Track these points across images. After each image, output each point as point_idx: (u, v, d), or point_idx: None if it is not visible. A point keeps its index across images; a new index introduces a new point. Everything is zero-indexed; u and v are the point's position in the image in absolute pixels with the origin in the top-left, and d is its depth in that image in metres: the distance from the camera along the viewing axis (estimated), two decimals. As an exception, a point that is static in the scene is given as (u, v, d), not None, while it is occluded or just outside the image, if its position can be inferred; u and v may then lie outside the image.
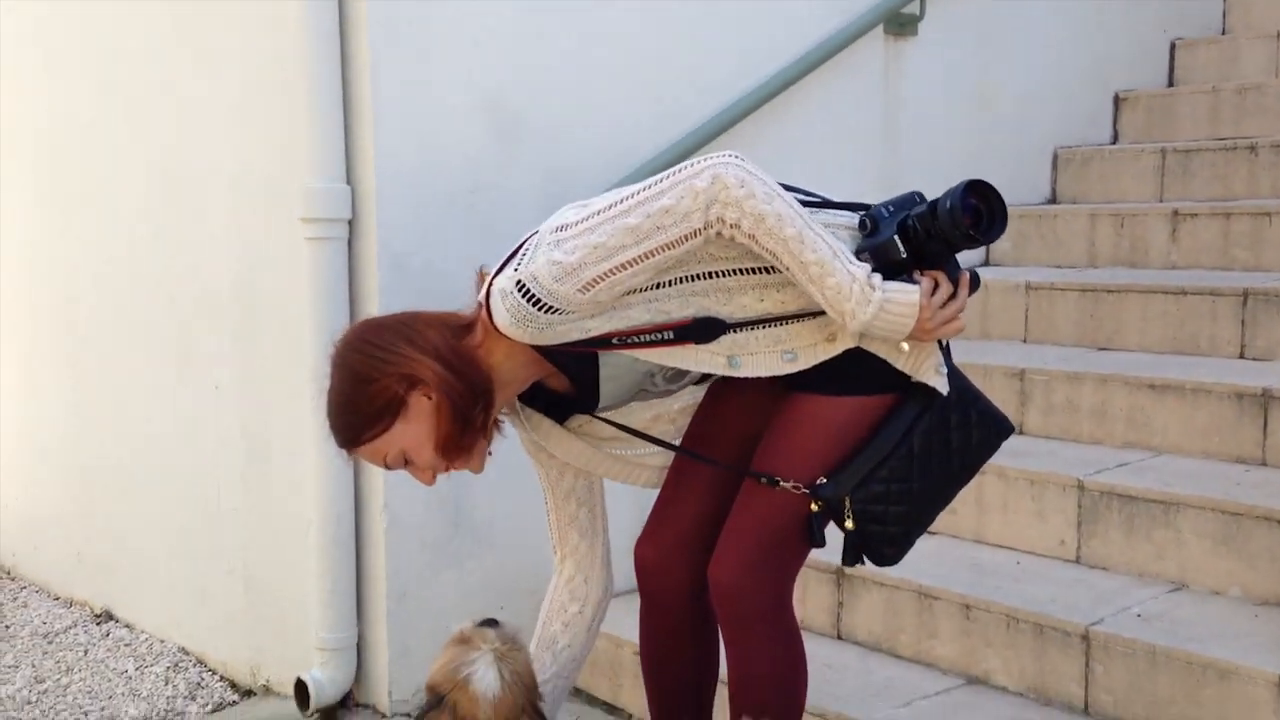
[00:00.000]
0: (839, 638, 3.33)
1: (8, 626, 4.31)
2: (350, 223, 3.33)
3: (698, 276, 2.11)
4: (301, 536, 3.45)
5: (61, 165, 4.49)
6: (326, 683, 3.36)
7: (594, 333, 2.10)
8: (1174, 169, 4.59)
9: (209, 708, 3.62)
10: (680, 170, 2.01)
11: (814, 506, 2.18)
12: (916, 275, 2.07)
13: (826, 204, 2.20)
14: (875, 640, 3.25)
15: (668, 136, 3.72)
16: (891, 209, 2.10)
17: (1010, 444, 3.64)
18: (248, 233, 3.61)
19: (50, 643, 4.13)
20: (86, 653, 4.02)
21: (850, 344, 2.12)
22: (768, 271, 2.11)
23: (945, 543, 3.50)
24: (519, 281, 2.04)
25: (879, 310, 2.02)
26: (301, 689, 3.37)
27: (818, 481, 2.17)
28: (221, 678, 3.79)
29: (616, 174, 3.56)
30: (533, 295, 2.03)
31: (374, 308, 3.28)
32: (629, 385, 2.32)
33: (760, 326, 2.13)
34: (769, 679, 2.26)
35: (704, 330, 2.12)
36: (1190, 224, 4.24)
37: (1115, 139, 5.08)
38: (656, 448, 2.47)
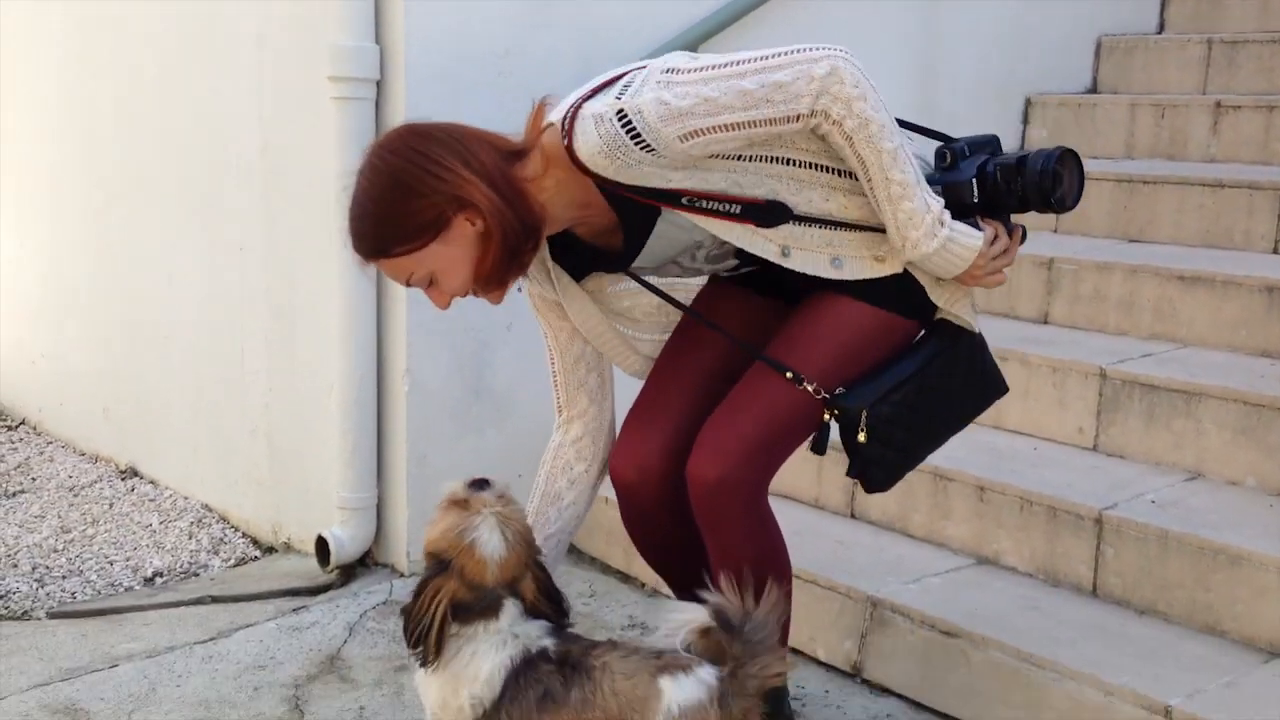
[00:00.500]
0: (853, 517, 3.36)
1: (34, 479, 4.40)
2: (378, 84, 3.29)
3: (778, 160, 2.10)
4: (324, 398, 3.49)
5: (87, 24, 4.44)
6: (347, 540, 3.43)
7: (672, 184, 2.07)
8: (1219, 60, 4.47)
9: (231, 562, 3.70)
10: (797, 50, 1.99)
11: (828, 416, 2.18)
12: (980, 221, 2.10)
13: (902, 124, 2.16)
14: (889, 520, 3.28)
15: (703, 7, 3.65)
16: (970, 149, 2.12)
17: (1034, 332, 3.68)
18: (274, 92, 3.57)
19: (76, 496, 4.21)
20: (111, 506, 4.11)
21: (897, 269, 2.15)
22: (840, 175, 2.12)
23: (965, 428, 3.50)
24: (621, 110, 1.99)
25: (941, 246, 2.06)
26: (322, 546, 3.44)
27: (837, 390, 2.17)
28: (244, 534, 3.87)
29: (650, 42, 3.51)
30: (633, 128, 1.99)
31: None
32: (667, 252, 2.27)
33: (818, 225, 2.14)
34: (750, 564, 2.23)
35: (769, 214, 2.11)
36: (1232, 116, 4.15)
37: (1161, 28, 4.95)
38: (650, 335, 2.44)
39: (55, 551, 3.74)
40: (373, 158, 2.11)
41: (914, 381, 2.21)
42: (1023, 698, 2.57)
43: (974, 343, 2.29)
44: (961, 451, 3.27)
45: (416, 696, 2.78)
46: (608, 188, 2.10)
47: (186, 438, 4.15)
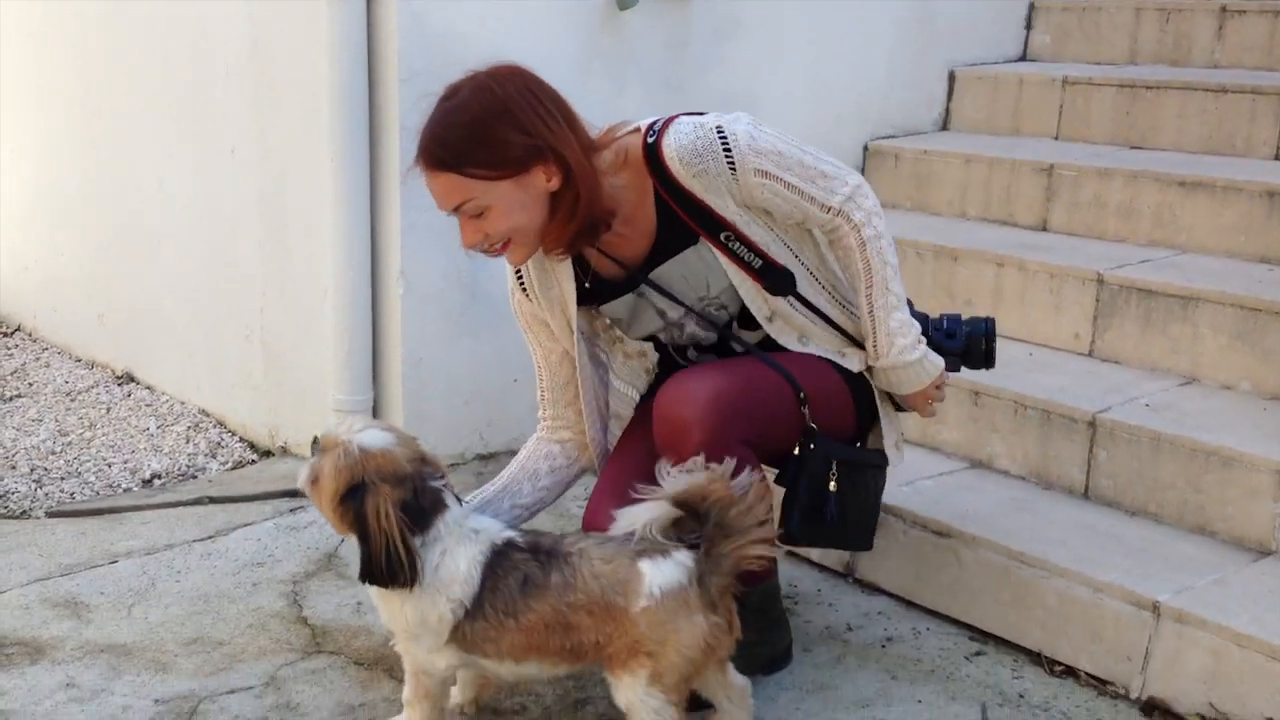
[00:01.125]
0: (847, 420, 3.37)
1: (31, 384, 4.40)
2: (370, -20, 3.23)
3: (800, 247, 2.40)
4: (319, 302, 3.48)
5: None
6: (343, 442, 3.43)
7: (726, 215, 2.28)
8: (1228, -36, 4.40)
9: (229, 465, 3.72)
10: (835, 162, 2.33)
11: (798, 450, 2.31)
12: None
13: None
14: (883, 424, 3.30)
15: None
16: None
17: (1032, 238, 3.67)
18: (265, -11, 3.51)
19: (73, 400, 4.22)
20: (109, 411, 4.11)
21: (855, 369, 2.43)
22: (832, 288, 2.44)
23: (959, 334, 3.51)
24: (720, 127, 2.24)
25: (917, 360, 2.38)
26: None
27: (812, 425, 2.32)
28: (241, 439, 3.88)
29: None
30: (726, 144, 2.23)
31: (392, 72, 3.22)
32: (677, 285, 2.37)
33: (805, 311, 2.41)
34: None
35: (780, 280, 2.35)
36: (1238, 21, 4.09)
37: (1168, -67, 4.86)
38: (622, 381, 2.52)
39: (53, 454, 3.76)
40: (484, 79, 2.17)
41: (863, 469, 2.42)
42: (1012, 594, 2.60)
43: (882, 480, 2.53)
44: (957, 356, 3.28)
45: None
46: (665, 197, 2.27)
47: (182, 343, 4.15)
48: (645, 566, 2.02)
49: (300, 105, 3.43)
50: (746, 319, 2.43)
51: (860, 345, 2.47)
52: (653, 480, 2.25)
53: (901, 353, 2.38)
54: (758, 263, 2.34)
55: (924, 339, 2.42)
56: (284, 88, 3.51)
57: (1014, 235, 3.72)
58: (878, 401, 2.48)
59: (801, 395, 2.33)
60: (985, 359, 2.53)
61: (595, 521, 2.30)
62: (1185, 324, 3.10)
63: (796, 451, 2.33)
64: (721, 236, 2.31)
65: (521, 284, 2.45)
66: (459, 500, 2.17)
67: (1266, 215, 3.30)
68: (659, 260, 2.36)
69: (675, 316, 2.43)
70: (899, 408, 2.55)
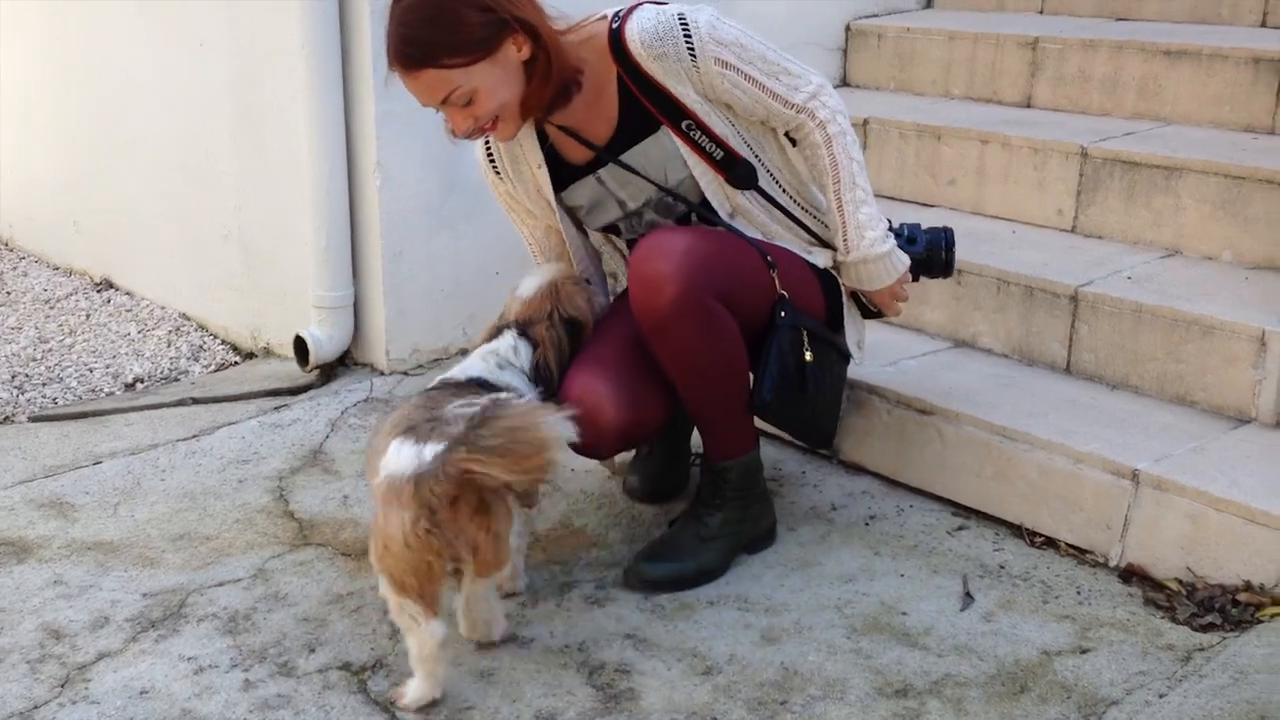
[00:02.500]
0: (830, 304, 3.36)
1: (9, 293, 4.36)
2: None
3: (761, 145, 2.42)
4: (295, 198, 3.43)
5: None
6: (325, 340, 3.42)
7: (686, 102, 2.30)
8: None
9: (211, 368, 3.70)
10: (798, 62, 2.36)
11: (781, 312, 2.34)
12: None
13: None
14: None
15: None
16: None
17: (1016, 115, 3.62)
18: (222, -126, 3.39)
19: (52, 308, 4.19)
20: (89, 317, 4.09)
21: (821, 264, 2.45)
22: (793, 189, 2.47)
23: (943, 214, 3.48)
24: (682, 14, 2.27)
25: (889, 252, 2.41)
26: (301, 346, 3.43)
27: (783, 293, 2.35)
28: (223, 341, 3.86)
29: None
30: (688, 31, 2.25)
31: (358, -45, 3.13)
32: (643, 166, 2.37)
33: (768, 207, 2.43)
34: (700, 368, 2.31)
35: (742, 171, 2.37)
36: (1226, -114, 3.98)
37: None
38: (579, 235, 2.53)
39: (34, 360, 3.74)
40: None
41: (831, 348, 2.46)
42: (994, 469, 2.62)
43: (844, 375, 2.57)
44: (939, 235, 3.25)
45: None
46: (628, 82, 2.29)
47: (160, 246, 4.10)
48: (393, 445, 1.97)
49: (266, -5, 3.35)
50: (706, 221, 2.44)
51: (825, 245, 2.48)
52: (635, 353, 2.33)
53: (872, 245, 2.40)
54: (719, 153, 2.36)
55: (891, 233, 2.45)
56: (248, -23, 3.42)
57: (998, 113, 3.66)
58: (843, 299, 2.50)
59: (769, 259, 2.34)
60: (945, 267, 2.55)
61: (571, 393, 2.30)
62: (1168, 195, 3.07)
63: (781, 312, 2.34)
64: (683, 125, 2.33)
65: (493, 165, 2.47)
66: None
67: (1252, 83, 3.25)
68: (619, 149, 2.37)
69: (634, 206, 2.43)
70: (865, 313, 2.57)
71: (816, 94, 2.35)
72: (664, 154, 2.37)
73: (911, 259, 2.50)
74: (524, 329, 2.33)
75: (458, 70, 2.15)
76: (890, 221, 2.49)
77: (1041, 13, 4.08)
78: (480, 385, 2.18)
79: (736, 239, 2.37)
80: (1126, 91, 3.49)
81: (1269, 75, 3.22)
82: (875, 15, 4.21)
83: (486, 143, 2.46)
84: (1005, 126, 3.45)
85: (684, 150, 2.35)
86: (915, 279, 2.56)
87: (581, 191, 2.43)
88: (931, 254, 2.53)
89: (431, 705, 2.05)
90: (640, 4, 2.32)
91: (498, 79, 2.19)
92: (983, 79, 3.82)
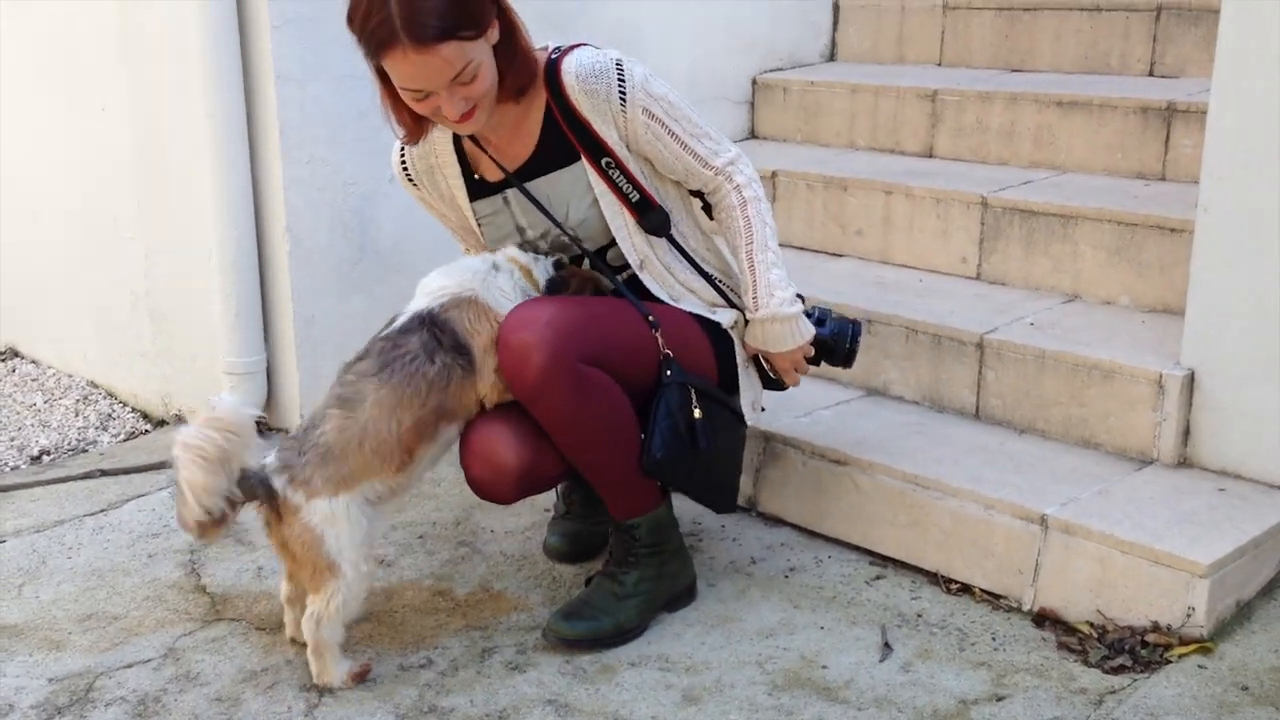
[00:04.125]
0: (745, 355, 3.39)
1: (-91, 364, 4.24)
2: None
3: (677, 201, 2.51)
4: (204, 263, 3.39)
5: None
6: (238, 405, 3.36)
7: (608, 142, 2.36)
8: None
9: (121, 437, 3.63)
10: (718, 132, 2.47)
11: (668, 371, 2.36)
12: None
13: None
14: (780, 357, 3.32)
15: None
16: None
17: (919, 165, 3.70)
18: (123, -60, 3.37)
19: (-46, 378, 4.07)
20: (-8, 387, 3.98)
21: (725, 323, 2.49)
22: (705, 252, 2.53)
23: (852, 264, 3.55)
24: (619, 60, 2.35)
25: (795, 315, 2.46)
26: (212, 413, 3.37)
27: (667, 353, 2.38)
28: (133, 409, 3.79)
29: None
30: (623, 77, 2.33)
31: (264, 17, 3.12)
32: (529, 212, 2.43)
33: (679, 261, 2.49)
34: (582, 430, 2.32)
35: (656, 218, 2.43)
36: (1110, -59, 4.14)
37: None
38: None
39: (-66, 435, 3.63)
40: None
41: (722, 407, 2.47)
42: (908, 517, 2.65)
43: (742, 438, 2.58)
44: (850, 286, 3.32)
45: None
46: (554, 111, 2.35)
47: (66, 313, 4.02)
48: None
49: (171, 57, 3.31)
50: (599, 270, 2.48)
51: (730, 305, 2.53)
52: None
53: (781, 305, 2.45)
54: (635, 195, 2.41)
55: (800, 299, 2.50)
56: (154, 39, 3.38)
57: (902, 163, 3.75)
58: (739, 361, 2.53)
59: (650, 319, 2.37)
60: (846, 358, 2.59)
61: (471, 439, 2.35)
62: (1066, 242, 3.16)
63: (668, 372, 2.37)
64: (602, 162, 2.38)
65: (407, 173, 2.52)
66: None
67: (1141, 131, 3.37)
68: (531, 175, 2.41)
69: (532, 235, 2.48)
70: (764, 379, 2.60)
71: (735, 160, 2.45)
72: (571, 190, 2.40)
73: (817, 338, 2.54)
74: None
75: (470, 43, 2.17)
76: (802, 297, 2.53)
77: (940, 64, 4.19)
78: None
79: (610, 301, 2.40)
80: (1023, 141, 3.60)
81: (1157, 123, 3.34)
82: (780, 69, 4.30)
83: (401, 150, 2.49)
84: (909, 177, 3.53)
85: (600, 189, 2.39)
86: (816, 362, 2.60)
87: (485, 207, 2.48)
88: (836, 341, 2.57)
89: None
90: (583, 44, 2.39)
91: (489, 59, 2.23)
92: (885, 130, 3.91)
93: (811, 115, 4.09)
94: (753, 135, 4.26)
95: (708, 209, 2.57)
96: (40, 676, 2.35)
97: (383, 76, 2.26)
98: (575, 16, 3.69)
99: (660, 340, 2.36)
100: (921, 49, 4.23)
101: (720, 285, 2.54)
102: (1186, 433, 2.66)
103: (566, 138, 2.37)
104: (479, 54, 2.20)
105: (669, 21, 3.98)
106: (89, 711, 2.24)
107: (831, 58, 4.47)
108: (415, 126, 2.35)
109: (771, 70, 4.27)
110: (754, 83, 4.24)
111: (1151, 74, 3.73)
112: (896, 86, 3.87)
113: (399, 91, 2.24)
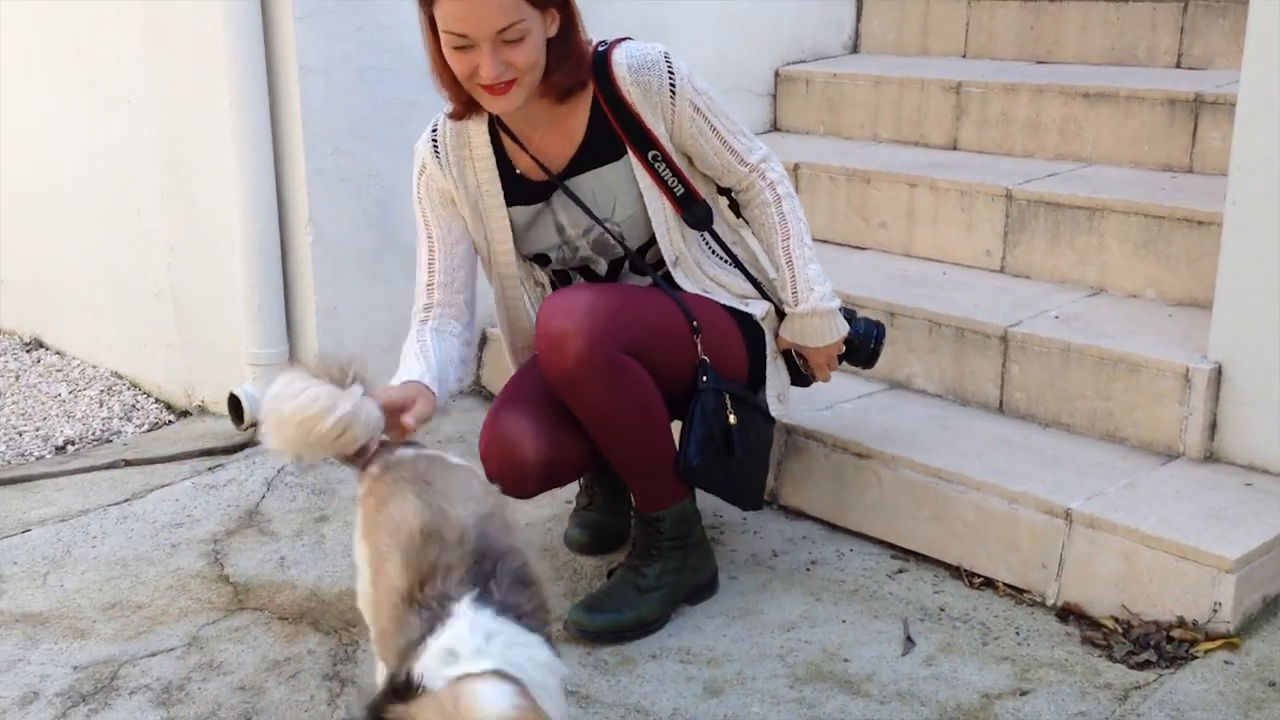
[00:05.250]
0: (767, 348, 3.38)
1: (-65, 355, 4.27)
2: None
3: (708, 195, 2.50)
4: (227, 255, 3.40)
5: None
6: (260, 397, 3.37)
7: (655, 133, 2.35)
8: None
9: (145, 427, 3.64)
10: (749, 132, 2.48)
11: (704, 377, 2.36)
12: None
13: None
14: (802, 350, 3.31)
15: None
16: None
17: (943, 158, 3.68)
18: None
19: (-20, 369, 4.11)
20: (18, 378, 4.01)
21: (758, 315, 2.49)
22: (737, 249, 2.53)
23: (875, 257, 3.53)
24: (666, 53, 2.36)
25: (831, 312, 2.47)
26: (235, 404, 3.39)
27: (704, 358, 2.38)
28: (156, 400, 3.80)
29: None
30: (672, 70, 2.34)
31: (288, 9, 3.12)
32: (593, 194, 2.38)
33: (715, 258, 2.50)
34: (616, 420, 2.31)
35: (699, 211, 2.43)
36: (1138, -69, 4.10)
37: None
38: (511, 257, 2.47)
39: (-40, 425, 3.66)
40: None
41: (754, 411, 2.46)
42: (931, 511, 2.64)
43: (771, 436, 2.58)
44: (873, 280, 3.30)
45: (337, 545, 2.81)
46: (603, 104, 2.33)
47: (90, 305, 4.04)
48: None
49: (195, 48, 3.32)
50: (638, 270, 2.47)
51: (763, 297, 2.53)
52: (554, 396, 2.32)
53: (821, 299, 2.45)
54: (680, 189, 2.40)
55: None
56: (176, 30, 3.39)
57: (926, 155, 3.73)
58: (768, 353, 2.52)
59: (695, 324, 2.36)
60: (869, 359, 2.61)
61: (493, 430, 2.35)
62: (1092, 235, 3.14)
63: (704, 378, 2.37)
64: (649, 156, 2.36)
65: (437, 155, 2.40)
66: None
67: (1168, 123, 3.34)
68: (576, 171, 2.38)
69: (573, 234, 2.43)
70: (794, 378, 2.61)
71: (767, 158, 2.46)
72: (618, 185, 2.38)
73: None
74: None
75: (529, 6, 2.15)
76: None
77: (964, 56, 4.16)
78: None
79: (651, 292, 2.39)
80: (1048, 133, 3.57)
81: (1185, 115, 3.31)
82: (803, 61, 4.28)
83: (434, 130, 2.41)
84: (932, 169, 3.51)
85: (645, 182, 2.38)
86: (839, 361, 2.60)
87: (523, 212, 2.42)
88: (862, 341, 2.58)
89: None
90: (628, 38, 2.38)
91: (541, 36, 2.20)
92: (909, 122, 3.89)
93: (834, 107, 4.07)
94: (775, 128, 4.24)
95: (733, 207, 2.57)
96: (65, 664, 2.37)
97: (433, 30, 2.20)
98: (599, 8, 3.67)
99: (699, 345, 2.36)
100: (946, 41, 4.20)
101: (753, 277, 2.54)
102: (1213, 427, 2.63)
103: (614, 132, 2.35)
104: (533, 22, 2.16)
105: (692, 13, 3.96)
106: (113, 699, 2.26)
107: (855, 50, 4.44)
108: (463, 104, 2.30)
109: (794, 62, 4.25)
110: (776, 75, 4.22)
111: (1179, 65, 3.69)
112: (920, 78, 3.85)
113: (442, 40, 2.18)
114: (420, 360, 2.30)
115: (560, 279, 2.54)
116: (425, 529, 1.64)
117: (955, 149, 3.78)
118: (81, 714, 2.22)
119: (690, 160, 2.44)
